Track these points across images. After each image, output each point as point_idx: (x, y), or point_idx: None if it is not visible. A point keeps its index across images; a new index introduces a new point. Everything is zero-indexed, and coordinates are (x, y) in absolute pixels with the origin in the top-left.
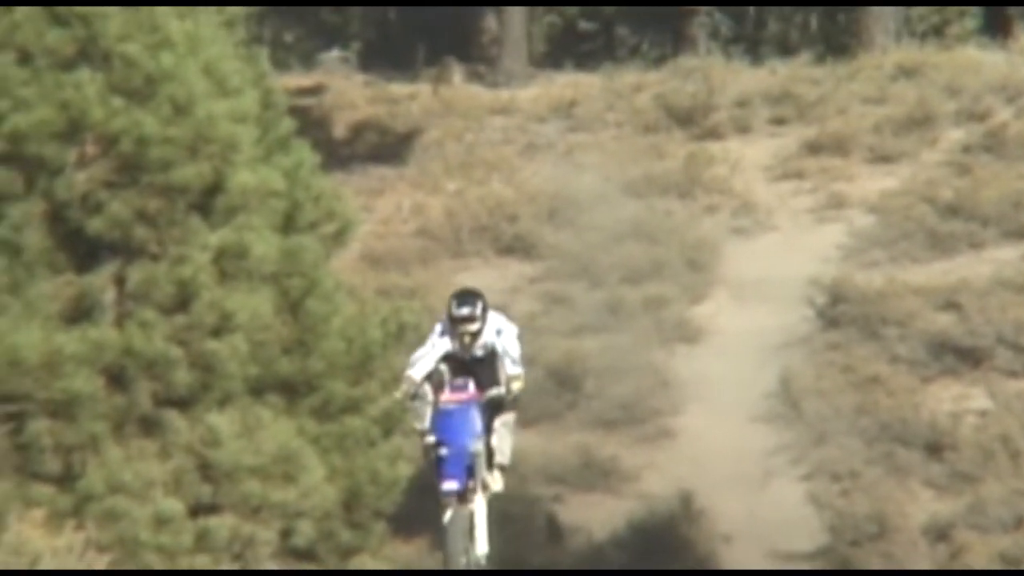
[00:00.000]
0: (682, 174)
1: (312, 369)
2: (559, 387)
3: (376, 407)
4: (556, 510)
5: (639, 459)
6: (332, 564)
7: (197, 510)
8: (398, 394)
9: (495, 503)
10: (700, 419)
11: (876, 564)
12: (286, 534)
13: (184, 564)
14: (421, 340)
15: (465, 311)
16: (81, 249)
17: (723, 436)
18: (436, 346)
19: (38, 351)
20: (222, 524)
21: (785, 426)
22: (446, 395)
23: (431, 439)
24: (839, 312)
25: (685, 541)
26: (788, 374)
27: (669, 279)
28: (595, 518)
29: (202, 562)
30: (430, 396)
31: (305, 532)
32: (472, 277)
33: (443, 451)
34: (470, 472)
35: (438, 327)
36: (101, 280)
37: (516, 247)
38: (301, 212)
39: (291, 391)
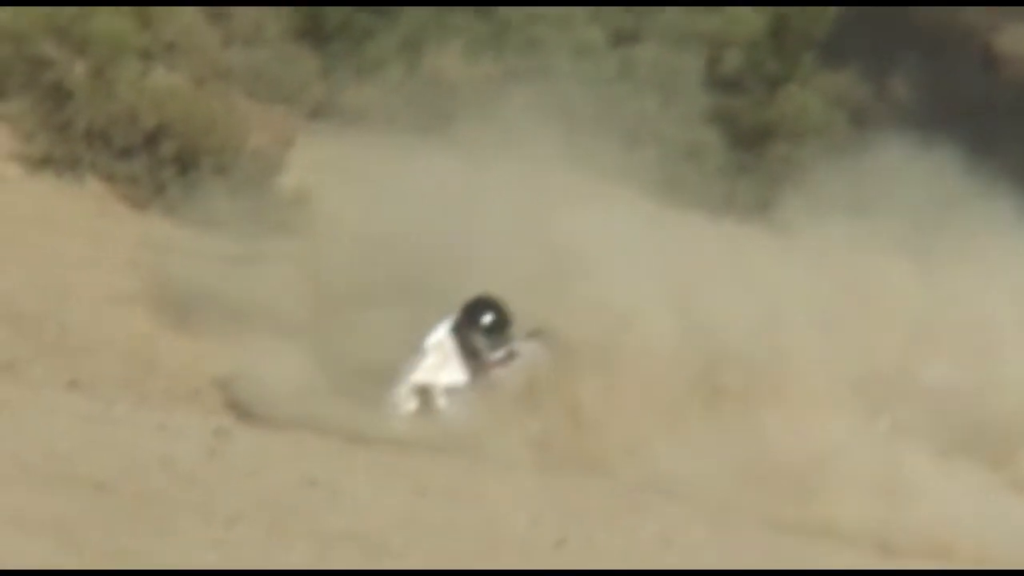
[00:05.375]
0: None
1: None
2: None
3: None
4: (991, 39)
5: None
6: (759, 94)
7: (619, 39)
8: None
9: None
10: None
11: None
12: (712, 63)
13: (605, 95)
14: None
15: None
16: None
17: None
18: None
19: None
20: (645, 53)
21: None
22: None
23: None
24: None
25: None
26: None
27: None
28: None
29: (624, 90)
30: None
31: (732, 61)
32: None
33: None
34: None
35: None
36: None
37: None
38: None
39: None
